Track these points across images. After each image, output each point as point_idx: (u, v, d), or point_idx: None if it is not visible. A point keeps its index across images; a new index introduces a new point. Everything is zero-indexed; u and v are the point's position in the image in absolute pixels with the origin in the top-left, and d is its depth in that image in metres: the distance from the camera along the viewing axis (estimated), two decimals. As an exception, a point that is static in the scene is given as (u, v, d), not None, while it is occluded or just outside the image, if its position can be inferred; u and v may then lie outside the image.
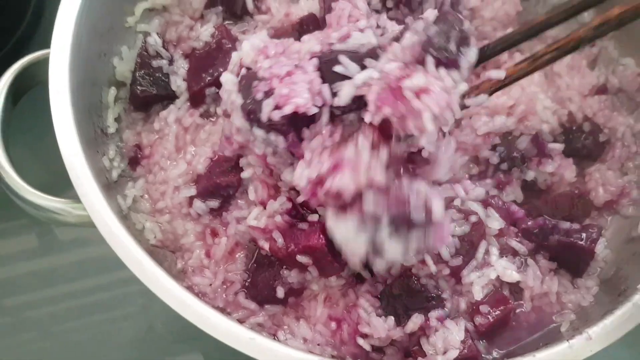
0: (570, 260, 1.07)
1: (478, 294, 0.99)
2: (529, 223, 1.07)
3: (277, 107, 0.88)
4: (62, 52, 1.03)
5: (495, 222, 1.04)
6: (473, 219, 1.01)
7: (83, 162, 0.96)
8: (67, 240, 1.38)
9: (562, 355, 0.86)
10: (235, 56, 1.00)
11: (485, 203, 1.06)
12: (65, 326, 1.30)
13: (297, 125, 0.93)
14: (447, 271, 0.98)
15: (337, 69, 0.89)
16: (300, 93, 0.87)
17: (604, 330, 0.88)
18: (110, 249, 1.29)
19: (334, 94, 0.89)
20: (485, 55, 0.98)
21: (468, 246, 1.00)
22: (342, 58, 0.89)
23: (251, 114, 0.91)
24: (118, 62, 1.19)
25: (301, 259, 0.97)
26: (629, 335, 0.89)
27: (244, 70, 0.95)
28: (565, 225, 1.06)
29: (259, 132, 0.92)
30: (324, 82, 0.89)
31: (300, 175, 0.91)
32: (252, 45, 0.97)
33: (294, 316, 1.03)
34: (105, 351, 1.28)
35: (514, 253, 1.06)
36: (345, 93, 0.87)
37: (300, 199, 0.97)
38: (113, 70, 1.19)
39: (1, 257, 1.37)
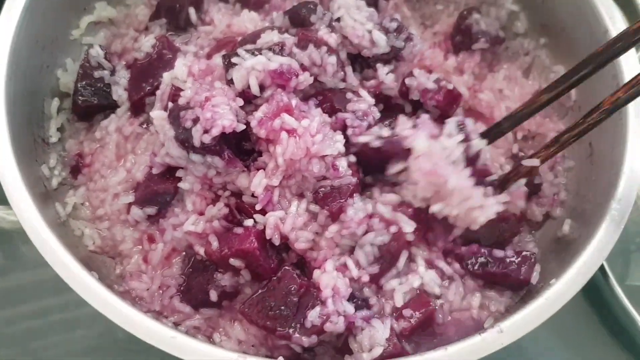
0: (503, 284, 1.08)
1: (399, 300, 1.01)
2: (462, 249, 1.08)
3: (206, 131, 0.97)
4: (-1, 63, 1.06)
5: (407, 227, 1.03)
6: (393, 229, 1.02)
7: (15, 171, 0.98)
8: (34, 258, 1.37)
9: (474, 347, 0.89)
10: (166, 77, 1.07)
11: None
12: (44, 341, 1.30)
13: (230, 142, 1.03)
14: (366, 278, 1.01)
15: (234, 59, 1.02)
16: (224, 115, 0.98)
17: (515, 324, 0.92)
18: None
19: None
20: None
21: (388, 255, 1.02)
22: (240, 51, 1.03)
23: (185, 142, 1.00)
24: (62, 74, 1.22)
25: (234, 262, 1.01)
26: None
27: (170, 104, 1.04)
28: (500, 254, 1.07)
29: (196, 157, 1.01)
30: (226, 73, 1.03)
31: (259, 184, 1.00)
32: (184, 64, 1.06)
33: (229, 318, 1.06)
34: None
35: (441, 272, 1.07)
36: (237, 77, 1.00)
37: (257, 207, 1.02)
38: (56, 81, 1.21)
39: None
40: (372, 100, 1.11)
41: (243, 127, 1.00)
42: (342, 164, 1.02)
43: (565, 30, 1.28)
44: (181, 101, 1.01)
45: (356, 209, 1.01)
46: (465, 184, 1.00)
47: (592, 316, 1.36)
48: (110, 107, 1.21)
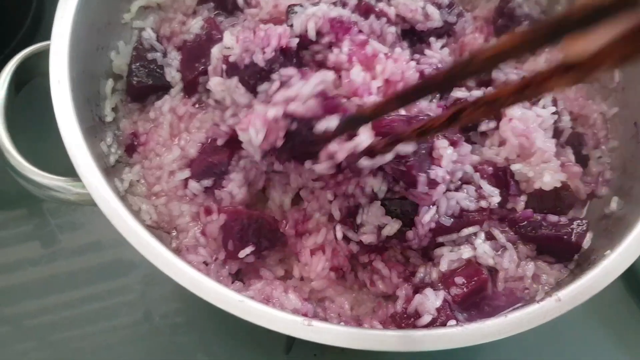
0: (554, 250, 1.10)
1: (444, 266, 1.03)
2: (517, 214, 1.11)
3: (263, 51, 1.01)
4: (62, 44, 1.09)
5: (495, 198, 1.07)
6: (483, 203, 1.05)
7: (83, 145, 1.01)
8: (70, 248, 1.42)
9: (532, 314, 0.90)
10: (215, 51, 1.11)
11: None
12: (64, 335, 1.32)
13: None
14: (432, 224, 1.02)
15: (296, 9, 1.06)
16: (276, 30, 1.03)
17: (572, 293, 0.93)
18: (113, 255, 1.39)
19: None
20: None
21: (465, 220, 1.04)
22: (303, 2, 1.07)
23: (250, 78, 1.02)
24: (115, 56, 1.25)
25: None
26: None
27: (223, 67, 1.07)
28: (554, 218, 1.09)
29: (263, 87, 1.01)
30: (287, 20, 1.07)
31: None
32: (231, 34, 1.09)
33: (282, 289, 1.08)
34: (106, 358, 1.31)
35: (492, 239, 1.09)
36: (296, 22, 1.04)
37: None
38: (110, 63, 1.25)
39: (4, 265, 1.39)
40: (439, 56, 1.14)
41: (297, 40, 1.04)
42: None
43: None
44: (231, 59, 1.05)
45: (466, 147, 1.05)
46: (549, 149, 1.09)
47: (630, 299, 1.38)
48: (164, 88, 1.24)
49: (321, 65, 1.07)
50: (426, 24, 1.16)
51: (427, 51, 1.16)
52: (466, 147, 1.06)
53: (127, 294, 1.37)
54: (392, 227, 1.03)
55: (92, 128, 1.14)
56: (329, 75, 0.96)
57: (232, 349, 1.32)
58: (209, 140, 1.14)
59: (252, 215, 1.08)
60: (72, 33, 1.11)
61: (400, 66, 1.03)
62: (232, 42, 1.07)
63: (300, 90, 0.94)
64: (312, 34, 1.05)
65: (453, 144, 1.03)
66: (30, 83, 1.16)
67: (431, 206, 1.01)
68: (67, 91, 1.05)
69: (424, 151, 0.98)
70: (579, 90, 1.30)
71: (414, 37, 1.19)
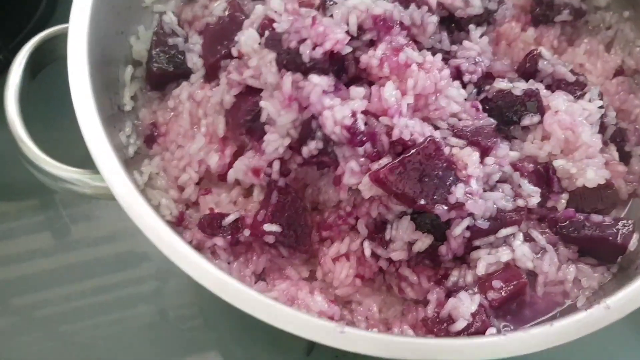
0: (597, 252, 1.05)
1: (481, 270, 0.98)
2: (558, 214, 1.06)
3: (315, 47, 0.94)
4: (81, 27, 1.04)
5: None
6: (520, 202, 1.01)
7: (102, 135, 0.96)
8: (82, 238, 1.39)
9: (581, 323, 0.85)
10: (258, 9, 1.07)
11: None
12: (77, 325, 1.30)
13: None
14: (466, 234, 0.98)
15: None
16: (335, 30, 0.95)
17: (622, 301, 0.88)
18: (125, 246, 1.35)
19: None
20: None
21: (502, 221, 0.99)
22: None
23: (288, 64, 0.96)
24: (135, 41, 1.20)
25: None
26: None
27: (267, 33, 1.01)
28: (598, 218, 1.03)
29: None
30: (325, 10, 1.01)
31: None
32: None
33: (307, 290, 1.03)
34: (118, 351, 1.28)
35: (531, 240, 1.03)
36: (337, 12, 0.98)
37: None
38: (130, 49, 1.19)
39: (17, 255, 1.37)
40: (478, 48, 1.09)
41: (350, 49, 0.97)
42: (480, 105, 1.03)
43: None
44: (278, 29, 0.99)
45: (503, 148, 1.01)
46: (595, 144, 1.05)
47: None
48: (185, 75, 1.18)
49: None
50: (466, 10, 1.10)
51: (465, 42, 1.11)
52: (503, 149, 1.02)
53: (140, 286, 1.35)
54: (423, 242, 0.98)
55: (112, 117, 1.09)
56: (359, 103, 0.95)
57: (249, 349, 1.28)
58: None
59: (298, 201, 1.03)
60: (92, 16, 1.05)
61: (433, 77, 0.98)
62: (280, 6, 1.02)
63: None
64: (353, 30, 0.98)
65: (486, 150, 0.99)
66: (47, 68, 1.11)
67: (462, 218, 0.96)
68: (86, 77, 1.00)
69: (440, 172, 0.93)
70: (620, 84, 1.25)
71: (452, 24, 1.14)
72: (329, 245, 1.06)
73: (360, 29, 0.99)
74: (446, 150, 0.96)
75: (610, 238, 1.01)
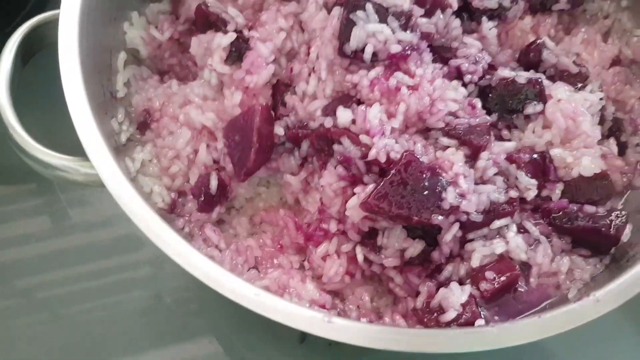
0: (590, 243, 1.04)
1: (475, 262, 0.97)
2: (551, 204, 1.05)
3: None
4: (72, 13, 1.03)
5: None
6: (512, 193, 1.00)
7: (92, 122, 0.96)
8: (80, 222, 1.39)
9: (569, 315, 0.85)
10: None
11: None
12: (74, 308, 1.30)
13: None
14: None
15: (359, 13, 0.98)
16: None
17: (611, 293, 0.87)
18: (122, 231, 1.35)
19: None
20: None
21: (495, 213, 0.99)
22: (368, 6, 0.98)
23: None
24: (128, 28, 1.19)
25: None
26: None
27: None
28: (591, 209, 1.03)
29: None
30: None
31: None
32: None
33: (299, 278, 1.03)
34: (114, 334, 1.28)
35: (525, 231, 1.03)
36: (355, 35, 0.97)
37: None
38: (123, 35, 1.19)
39: (14, 238, 1.37)
40: (479, 45, 1.09)
41: None
42: (478, 103, 1.02)
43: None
44: None
45: (498, 145, 1.00)
46: (594, 134, 1.06)
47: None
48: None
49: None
50: (483, 2, 1.12)
51: (466, 39, 1.10)
52: (498, 145, 1.02)
53: (138, 269, 1.34)
54: (415, 248, 0.98)
55: (103, 104, 1.08)
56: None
57: (244, 334, 1.28)
58: None
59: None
60: (84, 2, 1.04)
61: (425, 92, 0.98)
62: None
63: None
64: (367, 58, 0.99)
65: (478, 149, 0.99)
66: (38, 55, 1.10)
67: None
68: (76, 63, 0.99)
69: (426, 183, 0.92)
70: (616, 74, 1.24)
71: (466, 13, 1.15)
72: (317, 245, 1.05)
73: (375, 55, 1.00)
74: (430, 153, 0.98)
75: (603, 229, 1.01)
